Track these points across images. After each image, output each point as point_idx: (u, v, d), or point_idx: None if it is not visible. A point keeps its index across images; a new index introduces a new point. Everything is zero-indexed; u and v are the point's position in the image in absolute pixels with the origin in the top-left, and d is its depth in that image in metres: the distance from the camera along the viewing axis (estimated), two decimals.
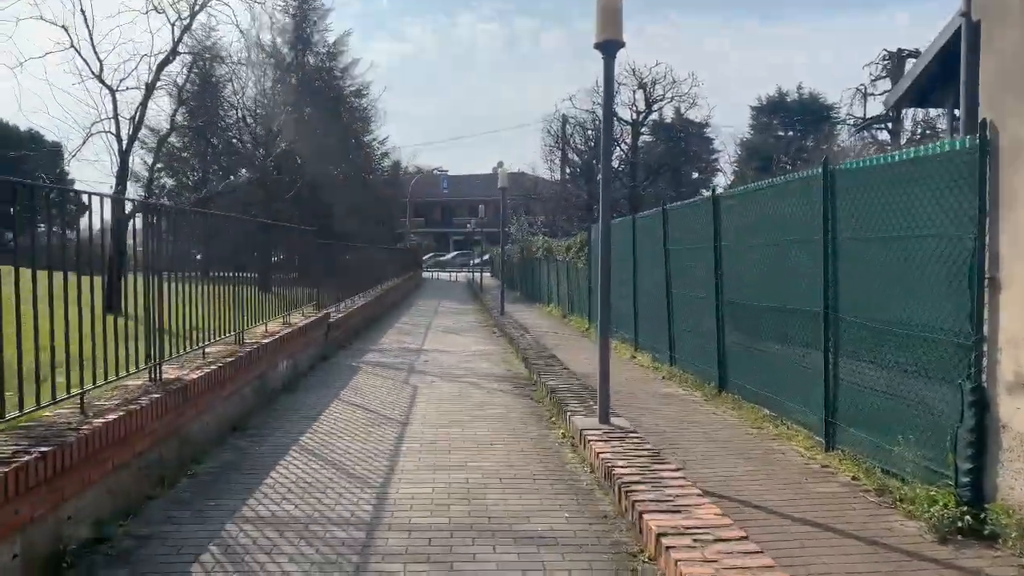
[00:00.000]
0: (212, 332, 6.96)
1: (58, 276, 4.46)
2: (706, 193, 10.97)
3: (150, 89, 18.65)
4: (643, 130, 30.59)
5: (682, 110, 31.84)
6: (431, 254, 63.79)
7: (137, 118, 18.69)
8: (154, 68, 18.85)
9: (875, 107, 35.40)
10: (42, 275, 4.12)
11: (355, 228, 31.05)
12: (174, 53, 19.26)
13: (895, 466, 5.26)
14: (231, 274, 8.52)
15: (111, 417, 4.39)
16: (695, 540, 3.75)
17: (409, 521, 4.66)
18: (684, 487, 4.61)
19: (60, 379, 4.36)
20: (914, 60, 32.23)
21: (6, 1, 30.88)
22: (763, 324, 7.65)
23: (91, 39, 18.14)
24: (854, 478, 5.57)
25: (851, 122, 34.27)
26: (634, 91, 28.31)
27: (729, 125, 65.18)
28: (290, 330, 9.40)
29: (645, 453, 5.36)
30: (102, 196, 5.16)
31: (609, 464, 5.05)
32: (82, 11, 18.24)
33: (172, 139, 35.40)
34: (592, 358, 11.68)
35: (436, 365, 11.32)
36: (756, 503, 5.03)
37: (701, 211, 9.26)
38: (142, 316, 6.03)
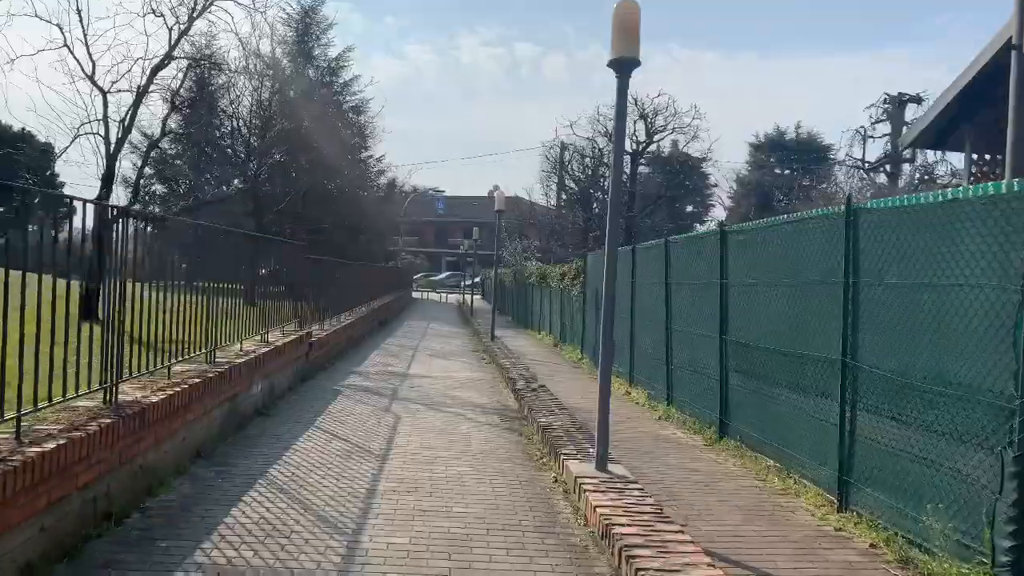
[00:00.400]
0: (181, 349, 6.44)
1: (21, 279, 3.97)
2: (703, 227, 10.53)
3: (142, 93, 18.19)
4: (642, 160, 30.30)
5: (682, 143, 31.61)
6: (422, 273, 63.27)
7: (127, 121, 18.21)
8: (148, 72, 18.41)
9: (874, 150, 35.43)
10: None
11: (347, 244, 30.55)
12: (169, 57, 18.82)
13: (920, 536, 4.78)
14: (211, 286, 8.04)
15: (48, 446, 3.87)
16: None
17: None
18: (692, 554, 4.11)
19: None
20: (915, 104, 32.31)
21: None
22: (771, 368, 7.19)
23: (85, 39, 17.62)
24: (872, 545, 5.08)
25: (850, 163, 34.18)
26: (635, 121, 28.09)
27: (727, 160, 65.33)
28: (268, 349, 8.88)
29: (648, 509, 4.86)
30: (70, 197, 4.67)
31: (608, 521, 4.55)
32: (78, 10, 17.72)
33: (167, 146, 34.98)
34: (586, 392, 11.22)
35: (421, 392, 10.79)
36: (769, 570, 4.54)
37: (707, 245, 8.84)
38: (137, 329, 5.59)
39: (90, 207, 4.80)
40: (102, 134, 18.23)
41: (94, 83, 18.18)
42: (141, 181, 34.70)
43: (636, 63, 5.78)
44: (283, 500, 5.38)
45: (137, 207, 20.96)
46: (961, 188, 4.78)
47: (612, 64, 5.77)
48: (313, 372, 11.69)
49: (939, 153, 29.83)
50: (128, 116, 18.34)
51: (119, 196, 26.71)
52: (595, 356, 14.24)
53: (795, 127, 48.39)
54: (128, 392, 5.39)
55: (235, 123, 29.28)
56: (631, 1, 5.59)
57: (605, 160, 29.31)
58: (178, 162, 36.38)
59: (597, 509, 4.80)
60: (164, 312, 6.08)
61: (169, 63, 19.21)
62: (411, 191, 59.38)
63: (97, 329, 5.00)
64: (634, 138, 28.72)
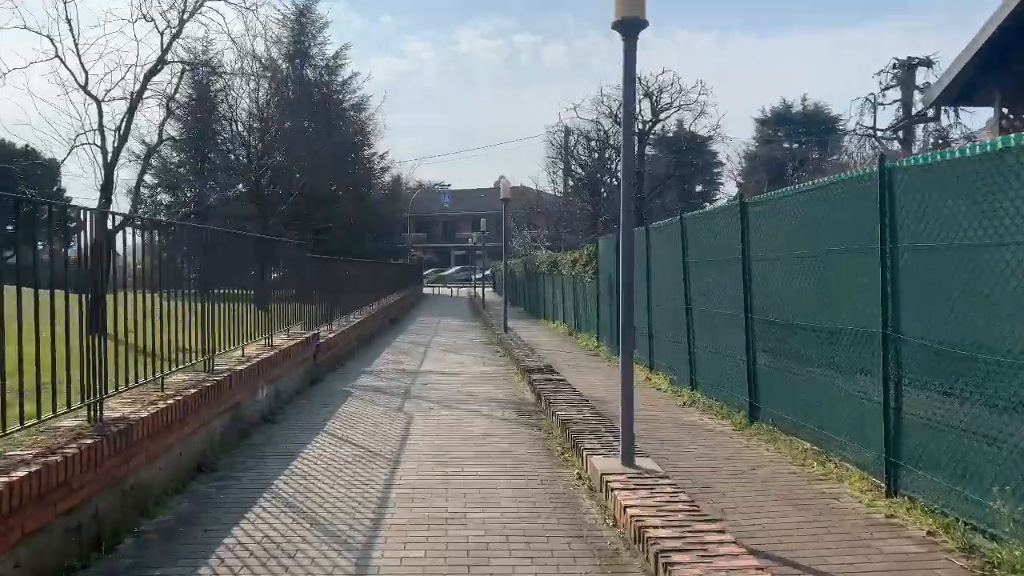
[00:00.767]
0: (176, 358, 6.07)
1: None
2: (712, 205, 10.06)
3: (136, 99, 17.86)
4: (649, 140, 29.67)
5: (689, 120, 30.88)
6: (432, 269, 62.98)
7: (122, 129, 17.89)
8: (141, 78, 18.07)
9: (885, 117, 34.69)
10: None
11: (354, 243, 30.21)
12: (162, 62, 18.48)
13: (985, 521, 4.35)
14: (220, 293, 7.70)
15: (19, 474, 3.50)
16: None
17: None
18: (736, 556, 3.70)
19: None
20: (926, 68, 31.55)
21: None
22: (803, 345, 6.75)
23: (76, 48, 17.29)
24: (929, 533, 4.65)
25: (862, 131, 33.43)
26: (640, 100, 27.35)
27: (732, 137, 64.27)
28: (272, 353, 8.50)
29: (682, 507, 4.44)
30: (65, 206, 4.29)
31: (640, 523, 4.14)
32: (67, 20, 17.31)
33: (170, 155, 34.73)
34: (605, 381, 10.80)
35: (434, 389, 10.41)
36: (820, 568, 4.12)
37: (726, 219, 8.39)
38: (125, 338, 5.26)
39: (83, 213, 4.44)
40: (98, 144, 17.94)
41: (87, 92, 17.86)
42: (146, 191, 34.55)
43: (643, 23, 5.33)
44: (288, 515, 5.00)
45: (141, 215, 20.62)
46: (1015, 135, 4.31)
47: (617, 26, 5.33)
48: (322, 374, 11.33)
49: (955, 115, 29.15)
50: (123, 124, 18.03)
51: (119, 206, 26.47)
52: (612, 343, 13.82)
53: (801, 100, 47.65)
54: (116, 408, 5.02)
55: (234, 127, 28.94)
56: None
57: (611, 142, 28.81)
58: (181, 170, 36.15)
59: (627, 509, 4.39)
60: (157, 319, 5.71)
61: (162, 68, 18.88)
62: (416, 187, 59.04)
63: (96, 342, 4.62)
64: (640, 117, 28.11)
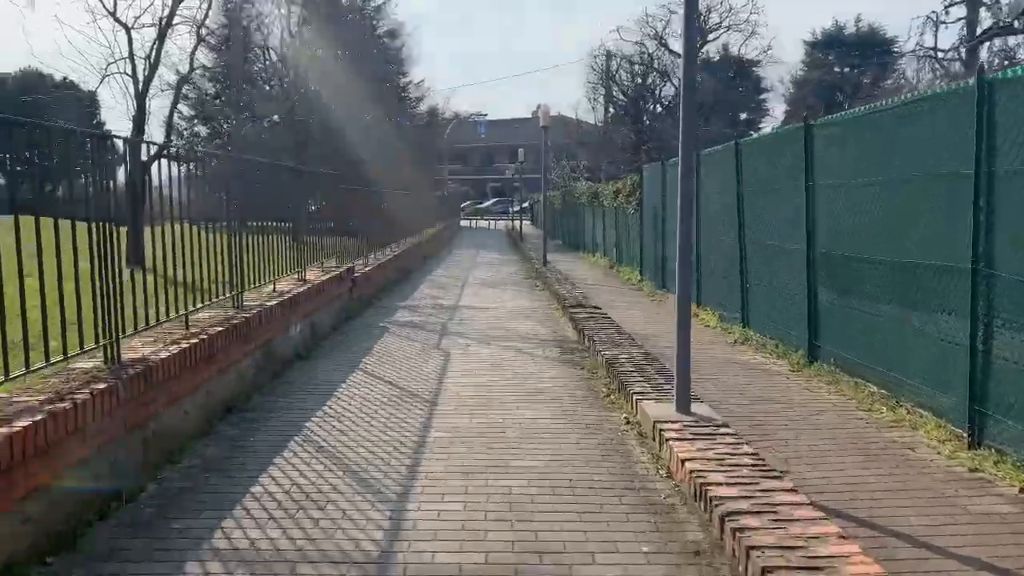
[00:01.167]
0: (202, 294, 5.75)
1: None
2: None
3: (165, 26, 17.37)
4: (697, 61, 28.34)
5: (736, 43, 29.30)
6: (469, 201, 62.32)
7: (153, 57, 17.48)
8: (169, 3, 17.54)
9: (947, 37, 32.64)
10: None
11: (390, 175, 29.67)
12: None
13: None
14: (257, 225, 7.39)
15: (20, 424, 3.20)
16: None
17: (432, 560, 3.43)
18: (814, 521, 3.28)
19: None
20: None
21: None
22: (872, 281, 6.19)
23: None
24: (1023, 490, 4.19)
25: (922, 53, 31.50)
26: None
27: (778, 60, 60.97)
28: (305, 288, 8.19)
29: (747, 460, 4.03)
30: (100, 136, 3.90)
31: (702, 479, 3.74)
32: None
33: (207, 86, 34.28)
34: (649, 317, 10.35)
35: (472, 325, 10.07)
36: (903, 530, 3.69)
37: (787, 145, 7.72)
38: (164, 270, 5.02)
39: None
40: (129, 73, 17.59)
41: (116, 19, 17.44)
42: (183, 123, 34.31)
43: None
44: (320, 460, 4.71)
45: (176, 145, 20.37)
46: None
47: None
48: (359, 309, 11.05)
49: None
50: (153, 51, 17.62)
51: (153, 137, 26.25)
52: (655, 277, 13.30)
53: (855, 20, 44.98)
54: (136, 348, 4.73)
55: (267, 54, 28.33)
56: None
57: (655, 66, 27.55)
58: (217, 102, 35.76)
59: (685, 463, 3.99)
60: (180, 254, 5.38)
61: None
62: (452, 117, 57.95)
63: (110, 277, 4.31)
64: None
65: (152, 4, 26.87)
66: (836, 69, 45.35)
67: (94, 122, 47.37)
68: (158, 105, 25.41)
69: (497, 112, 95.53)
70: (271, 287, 7.69)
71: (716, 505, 3.48)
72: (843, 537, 3.12)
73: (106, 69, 17.64)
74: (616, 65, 31.21)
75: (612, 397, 6.23)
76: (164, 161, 5.97)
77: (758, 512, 3.35)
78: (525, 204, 48.40)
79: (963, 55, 30.24)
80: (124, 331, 4.46)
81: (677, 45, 29.28)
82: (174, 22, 17.82)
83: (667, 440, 4.39)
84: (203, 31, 19.97)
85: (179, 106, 29.47)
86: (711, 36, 27.68)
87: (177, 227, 5.43)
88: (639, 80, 30.33)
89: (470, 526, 3.78)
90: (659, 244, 12.96)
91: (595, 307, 10.27)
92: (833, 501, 4.04)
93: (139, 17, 18.28)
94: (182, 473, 4.49)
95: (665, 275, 12.74)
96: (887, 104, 5.97)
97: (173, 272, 5.29)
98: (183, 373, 4.83)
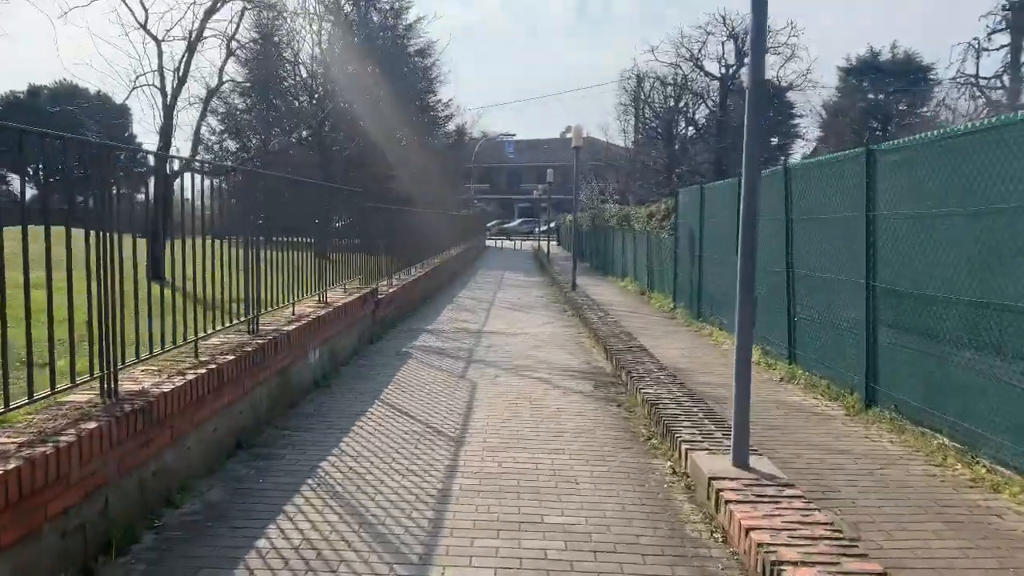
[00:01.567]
0: (213, 316, 5.34)
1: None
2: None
3: (195, 39, 17.24)
4: (731, 85, 27.76)
5: (775, 66, 28.73)
6: (495, 221, 62.07)
7: (182, 70, 17.35)
8: (200, 16, 17.43)
9: (989, 65, 31.88)
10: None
11: (417, 193, 29.43)
12: (221, 0, 17.79)
13: None
14: (279, 240, 7.05)
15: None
16: None
17: None
18: None
19: None
20: None
21: None
22: (944, 321, 5.63)
23: None
24: None
25: (962, 80, 30.74)
26: (723, 42, 25.54)
27: (816, 84, 60.07)
28: (326, 311, 7.77)
29: (820, 530, 3.49)
30: (120, 148, 3.52)
31: (772, 556, 3.21)
32: None
33: (236, 101, 34.40)
34: (687, 349, 9.79)
35: (499, 353, 9.58)
36: None
37: (845, 171, 7.19)
38: (185, 288, 4.69)
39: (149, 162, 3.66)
40: (158, 85, 17.46)
41: (147, 31, 17.32)
42: (213, 137, 34.41)
43: None
44: (334, 510, 4.24)
45: (203, 160, 20.23)
46: None
47: None
48: (381, 332, 10.63)
49: None
50: (183, 64, 17.48)
51: (180, 150, 26.27)
52: (691, 306, 12.75)
53: (890, 47, 44.28)
54: (137, 379, 4.31)
55: (297, 70, 28.32)
56: None
57: (690, 86, 27.07)
58: (247, 116, 35.86)
59: (750, 533, 3.46)
60: (201, 270, 4.98)
61: (221, 6, 18.17)
62: (480, 136, 57.83)
63: (107, 301, 3.91)
64: (723, 61, 26.28)
65: (183, 17, 26.99)
66: (871, 95, 44.62)
67: (126, 134, 47.88)
68: (186, 119, 25.46)
69: (525, 133, 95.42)
70: (290, 309, 7.28)
71: None
72: None
73: (135, 81, 17.53)
74: (649, 86, 30.83)
75: (654, 441, 5.71)
76: (188, 175, 5.60)
77: None
78: (552, 224, 47.96)
79: (1006, 82, 29.46)
80: (123, 361, 4.05)
81: (712, 68, 28.97)
82: (204, 35, 17.72)
83: (726, 501, 3.87)
84: (233, 45, 19.86)
85: (209, 120, 29.57)
86: (747, 59, 27.12)
87: (198, 242, 5.06)
88: (672, 102, 29.87)
89: None
90: (695, 270, 12.42)
91: (629, 335, 9.74)
92: None
93: (170, 30, 18.16)
94: (181, 521, 4.04)
95: (701, 303, 12.18)
96: (966, 128, 5.43)
97: (182, 290, 4.88)
98: (188, 408, 4.40)
